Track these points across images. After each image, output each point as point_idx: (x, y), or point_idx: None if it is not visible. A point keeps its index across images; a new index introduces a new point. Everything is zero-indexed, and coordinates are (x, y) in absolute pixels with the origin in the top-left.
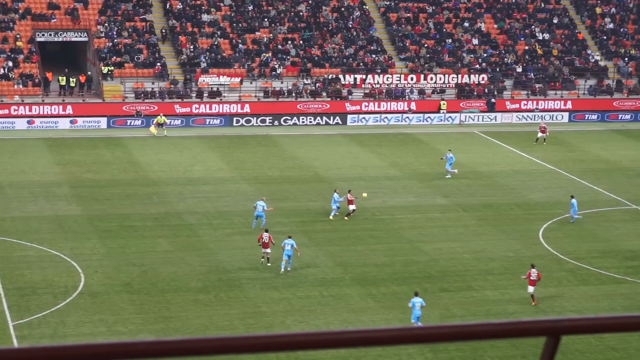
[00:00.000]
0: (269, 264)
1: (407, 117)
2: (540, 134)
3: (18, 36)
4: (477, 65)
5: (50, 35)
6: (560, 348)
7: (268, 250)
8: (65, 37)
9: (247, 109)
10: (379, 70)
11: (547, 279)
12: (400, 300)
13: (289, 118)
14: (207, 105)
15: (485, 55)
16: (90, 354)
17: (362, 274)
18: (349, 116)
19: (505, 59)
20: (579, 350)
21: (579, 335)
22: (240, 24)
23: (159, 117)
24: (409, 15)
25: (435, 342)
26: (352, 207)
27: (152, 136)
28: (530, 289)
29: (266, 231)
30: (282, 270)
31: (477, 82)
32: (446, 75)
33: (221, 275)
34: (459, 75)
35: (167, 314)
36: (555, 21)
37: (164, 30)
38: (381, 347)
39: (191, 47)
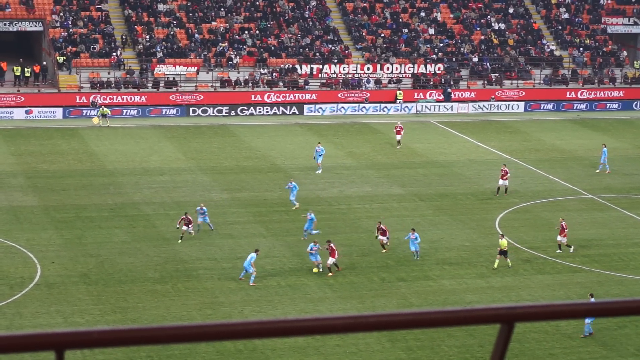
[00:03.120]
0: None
1: (364, 107)
2: (397, 136)
3: None
4: (434, 55)
5: (4, 24)
6: (517, 337)
7: (189, 228)
8: (19, 26)
9: (203, 99)
10: (335, 60)
11: (503, 269)
12: (358, 289)
13: (246, 108)
14: (163, 95)
15: (441, 45)
16: (44, 342)
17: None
18: (306, 106)
19: (462, 49)
20: (535, 339)
21: (532, 322)
22: (196, 14)
23: (101, 108)
24: (365, 5)
25: (391, 329)
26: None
27: (99, 126)
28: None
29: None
30: (242, 276)
31: (433, 72)
32: (402, 65)
33: (178, 266)
34: (416, 65)
35: (125, 304)
36: (510, 11)
37: (124, 37)
38: (337, 334)
39: (147, 37)
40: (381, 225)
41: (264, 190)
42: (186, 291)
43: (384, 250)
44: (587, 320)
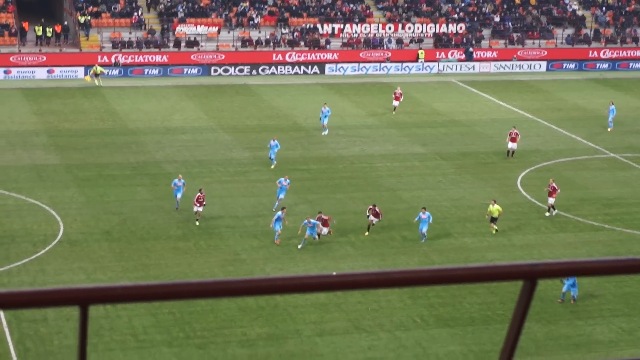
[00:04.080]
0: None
1: (385, 67)
2: (395, 102)
3: None
4: (455, 15)
5: None
6: (538, 295)
7: (200, 209)
8: None
9: (224, 58)
10: (357, 20)
11: (525, 227)
12: (379, 247)
13: (267, 67)
14: (185, 55)
15: (463, 4)
16: (69, 297)
17: (341, 221)
18: (327, 66)
19: (483, 8)
20: (557, 296)
21: (555, 278)
22: None
23: (95, 67)
24: None
25: (414, 285)
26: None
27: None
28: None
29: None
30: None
31: (455, 32)
32: (424, 25)
33: (200, 223)
34: (437, 25)
35: (147, 261)
36: None
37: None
38: (359, 290)
39: None
40: (375, 208)
41: (285, 149)
42: (208, 249)
43: (367, 233)
44: (569, 288)
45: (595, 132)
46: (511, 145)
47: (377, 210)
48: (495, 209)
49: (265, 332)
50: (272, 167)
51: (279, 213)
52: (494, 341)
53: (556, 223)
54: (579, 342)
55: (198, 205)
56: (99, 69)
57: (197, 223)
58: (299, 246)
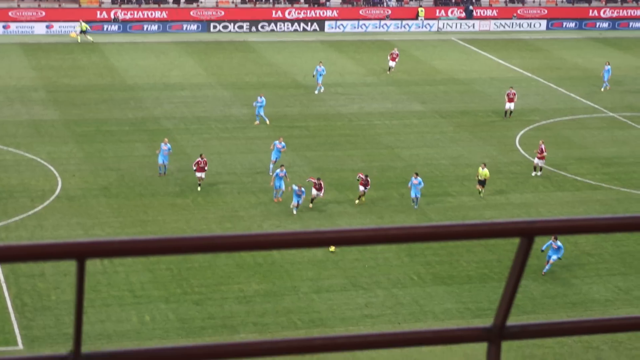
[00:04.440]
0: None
1: (385, 24)
2: (391, 62)
3: None
4: None
5: None
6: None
7: (202, 175)
8: None
9: (224, 15)
10: None
11: (523, 185)
12: (377, 205)
13: (267, 24)
14: (184, 11)
15: None
16: (66, 251)
17: (339, 179)
18: (327, 23)
19: None
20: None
21: (552, 235)
22: None
23: (80, 23)
24: None
25: (411, 241)
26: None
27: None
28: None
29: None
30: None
31: None
32: None
33: (193, 171)
34: None
35: (145, 217)
36: None
37: None
38: (357, 246)
39: None
40: (361, 175)
41: (284, 106)
42: (206, 205)
43: (357, 201)
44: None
45: (594, 91)
46: (508, 105)
47: (368, 179)
48: (484, 172)
49: (263, 288)
50: (256, 123)
51: (278, 171)
52: (490, 299)
53: (554, 182)
54: (576, 300)
55: (199, 171)
56: (84, 25)
57: (199, 189)
58: (294, 212)
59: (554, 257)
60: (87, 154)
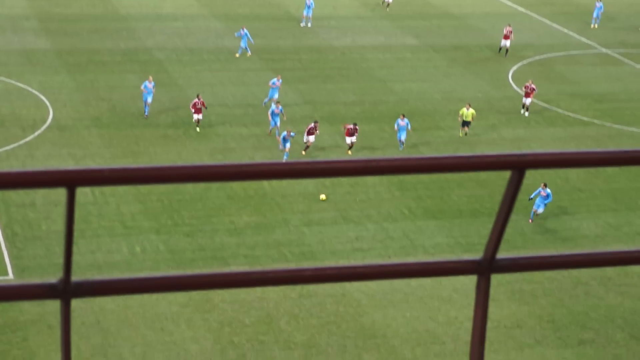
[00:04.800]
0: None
1: None
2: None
3: None
4: None
5: None
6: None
7: (200, 116)
8: None
9: None
10: None
11: (515, 121)
12: (369, 139)
13: None
14: None
15: None
16: (56, 178)
17: (331, 112)
18: None
19: None
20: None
21: (543, 169)
22: None
23: None
24: None
25: (402, 173)
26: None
27: None
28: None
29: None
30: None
31: None
32: None
33: (190, 111)
34: None
35: (136, 149)
36: None
37: None
38: (347, 177)
39: None
40: (348, 126)
41: (277, 38)
42: (197, 137)
43: (349, 152)
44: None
45: (588, 28)
46: (504, 42)
47: (356, 128)
48: (469, 112)
49: (254, 221)
50: (237, 55)
51: (273, 107)
52: (481, 234)
53: (546, 117)
54: (566, 236)
55: (197, 112)
56: None
57: (198, 129)
58: (284, 158)
59: (542, 207)
60: (79, 84)
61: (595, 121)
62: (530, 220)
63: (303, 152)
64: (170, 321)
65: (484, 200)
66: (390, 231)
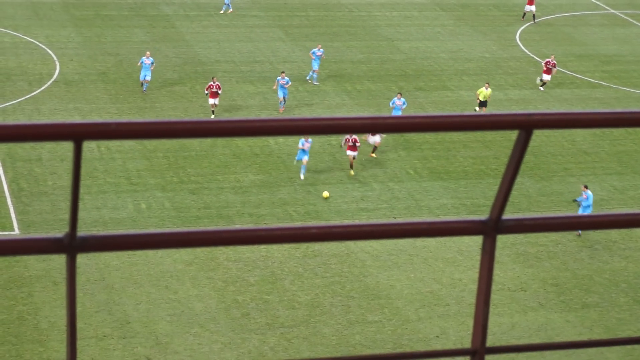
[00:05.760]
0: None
1: None
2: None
3: None
4: None
5: None
6: (533, 150)
7: (216, 101)
8: None
9: None
10: None
11: (523, 81)
12: (376, 97)
13: None
14: None
15: None
16: (63, 132)
17: (338, 70)
18: None
19: None
20: (551, 152)
21: (550, 129)
22: None
23: None
24: None
25: (409, 131)
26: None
27: None
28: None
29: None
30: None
31: None
32: None
33: (197, 68)
34: None
35: (143, 104)
36: None
37: None
38: (352, 133)
39: None
40: (349, 138)
41: None
42: (204, 93)
43: (352, 172)
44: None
45: None
46: (528, 7)
47: (357, 143)
48: (487, 93)
49: (259, 179)
50: (222, 12)
51: (279, 78)
52: (486, 195)
53: (553, 78)
54: (571, 199)
55: (212, 97)
56: None
57: (213, 116)
58: (301, 176)
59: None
60: (86, 39)
61: (603, 83)
62: (578, 233)
63: (373, 155)
64: (174, 279)
65: (490, 162)
66: (396, 191)
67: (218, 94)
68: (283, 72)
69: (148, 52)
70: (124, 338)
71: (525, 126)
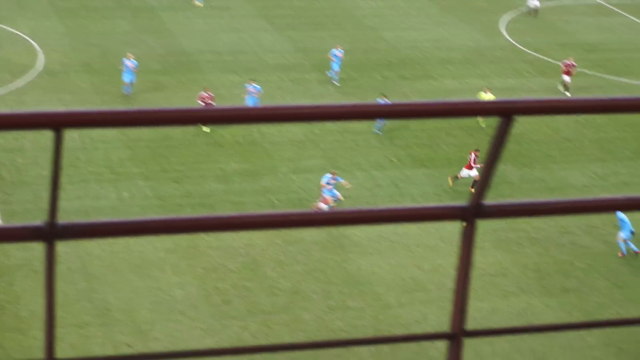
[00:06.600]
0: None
1: None
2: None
3: None
4: None
5: None
6: (516, 138)
7: None
8: None
9: None
10: None
11: (506, 70)
12: (360, 87)
13: None
14: None
15: None
16: (43, 121)
17: (323, 60)
18: None
19: None
20: (534, 140)
21: (530, 116)
22: None
23: None
24: None
25: (391, 118)
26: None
27: None
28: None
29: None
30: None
31: None
32: None
33: (181, 58)
34: None
35: (126, 95)
36: None
37: None
38: (334, 122)
39: None
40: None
41: None
42: (188, 83)
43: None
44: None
45: None
46: (535, 3)
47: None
48: (487, 97)
49: (242, 167)
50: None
51: (247, 85)
52: (468, 182)
53: (537, 67)
54: (554, 186)
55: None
56: None
57: (205, 129)
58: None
59: (627, 235)
60: (69, 30)
61: (586, 71)
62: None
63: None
64: (156, 267)
65: (472, 149)
66: (379, 179)
67: (211, 105)
68: (252, 80)
69: (130, 54)
70: (105, 326)
71: (506, 113)
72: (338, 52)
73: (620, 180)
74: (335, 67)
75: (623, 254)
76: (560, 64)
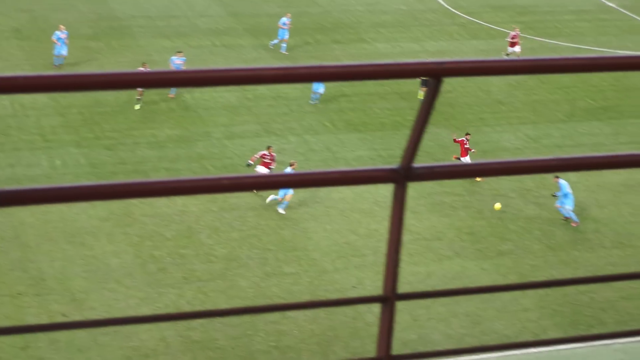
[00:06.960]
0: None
1: None
2: None
3: None
4: None
5: None
6: (448, 101)
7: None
8: None
9: None
10: None
11: (439, 33)
12: (293, 51)
13: None
14: None
15: None
16: None
17: (256, 24)
18: None
19: None
20: (467, 103)
21: (460, 76)
22: None
23: None
24: None
25: (322, 80)
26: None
27: None
28: None
29: None
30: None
31: None
32: None
33: (113, 23)
34: None
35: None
36: None
37: None
38: (266, 85)
39: None
40: (269, 154)
41: None
42: (120, 48)
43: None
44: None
45: None
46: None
47: (274, 157)
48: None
49: (175, 134)
50: None
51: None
52: (402, 146)
53: (469, 30)
54: (486, 148)
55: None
56: None
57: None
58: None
59: (567, 206)
60: None
61: (518, 33)
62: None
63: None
64: (90, 235)
65: (406, 113)
66: (312, 144)
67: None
68: (180, 52)
69: (62, 26)
70: (39, 295)
71: (436, 74)
72: (287, 20)
73: (552, 142)
74: (285, 35)
75: (576, 223)
76: (507, 39)
